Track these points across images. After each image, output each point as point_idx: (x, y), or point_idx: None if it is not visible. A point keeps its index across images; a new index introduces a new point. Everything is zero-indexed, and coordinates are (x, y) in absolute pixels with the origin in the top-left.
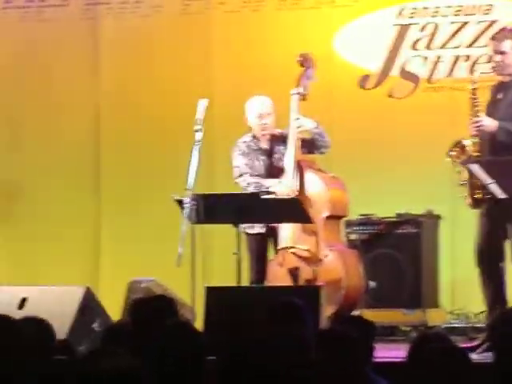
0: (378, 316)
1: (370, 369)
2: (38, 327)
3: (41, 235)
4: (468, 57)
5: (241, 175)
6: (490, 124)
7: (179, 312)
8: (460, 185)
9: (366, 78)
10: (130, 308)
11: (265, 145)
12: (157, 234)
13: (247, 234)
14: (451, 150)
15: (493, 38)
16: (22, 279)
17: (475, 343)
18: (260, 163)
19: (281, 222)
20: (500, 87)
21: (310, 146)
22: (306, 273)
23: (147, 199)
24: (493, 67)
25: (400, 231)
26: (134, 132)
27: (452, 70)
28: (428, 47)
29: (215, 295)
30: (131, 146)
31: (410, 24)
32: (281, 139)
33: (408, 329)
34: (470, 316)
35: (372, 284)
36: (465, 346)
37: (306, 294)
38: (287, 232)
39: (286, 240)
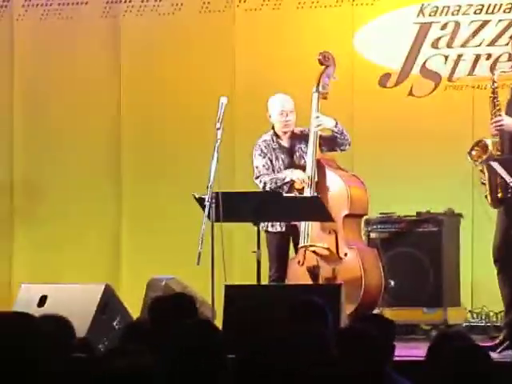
0: (398, 315)
1: (390, 367)
2: (57, 325)
3: (62, 235)
4: (489, 55)
5: (258, 177)
6: (511, 123)
7: (199, 310)
8: (481, 184)
9: (386, 76)
10: (150, 306)
11: (285, 143)
12: (177, 233)
13: (268, 232)
14: (472, 149)
15: None
16: (44, 279)
17: (495, 342)
18: (280, 162)
19: (301, 220)
20: None
21: (330, 144)
22: (326, 271)
23: (168, 197)
24: None
25: (420, 230)
26: (155, 131)
27: (473, 68)
28: (449, 46)
29: (235, 293)
30: (152, 145)
31: (431, 22)
32: (301, 137)
33: (428, 327)
34: (491, 315)
35: (392, 283)
36: (485, 344)
37: (325, 293)
38: (307, 230)
39: (307, 238)
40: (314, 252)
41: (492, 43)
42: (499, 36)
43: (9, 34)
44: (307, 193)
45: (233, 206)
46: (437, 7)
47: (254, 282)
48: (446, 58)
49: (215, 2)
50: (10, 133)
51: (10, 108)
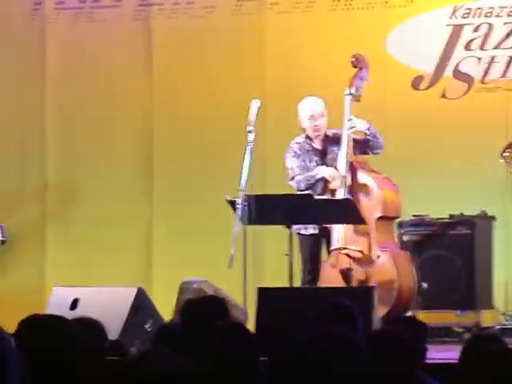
0: (430, 317)
1: (422, 370)
2: (90, 328)
3: (94, 236)
4: None
5: (293, 178)
6: None
7: (231, 313)
8: None
9: (419, 78)
10: (182, 309)
11: (318, 145)
12: (209, 235)
13: (300, 234)
14: (505, 151)
15: None
16: (76, 280)
17: None
18: (313, 164)
19: (333, 223)
20: None
21: (363, 146)
22: (358, 274)
23: (200, 200)
24: None
25: (453, 232)
26: (187, 133)
27: (506, 70)
28: (482, 48)
29: (267, 296)
30: (184, 146)
31: (464, 24)
32: (334, 140)
33: (461, 330)
34: None
35: (424, 285)
36: None
37: (358, 295)
38: (340, 233)
39: (339, 241)
40: (346, 254)
41: None
42: None
43: (41, 37)
44: (340, 193)
45: (265, 209)
46: (470, 9)
47: (287, 285)
48: (479, 59)
49: (247, 4)
50: (43, 135)
51: (42, 111)
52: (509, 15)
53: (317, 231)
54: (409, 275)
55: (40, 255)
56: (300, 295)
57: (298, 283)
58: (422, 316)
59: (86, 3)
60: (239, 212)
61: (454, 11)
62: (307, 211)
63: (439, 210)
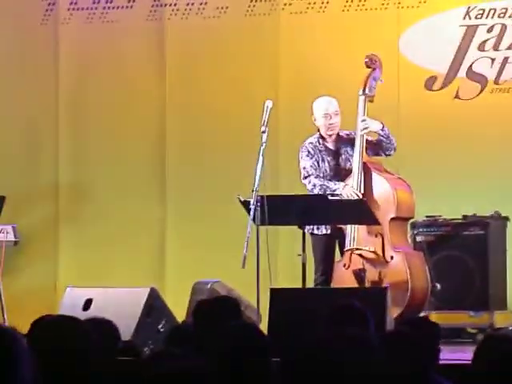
0: (444, 318)
1: (435, 371)
2: (103, 328)
3: (107, 237)
4: None
5: (306, 177)
6: None
7: (244, 313)
8: None
9: (432, 79)
10: (194, 309)
11: (331, 146)
12: (222, 235)
13: (313, 235)
14: None
15: None
16: (89, 281)
17: None
18: (326, 164)
19: (347, 223)
20: None
21: (375, 147)
22: (371, 274)
23: (213, 200)
24: None
25: (467, 233)
26: (200, 133)
27: None
28: (495, 48)
29: (280, 297)
30: (197, 147)
31: (478, 25)
32: (347, 140)
33: (474, 331)
34: None
35: (438, 286)
36: None
37: (371, 296)
38: (353, 233)
39: (352, 241)
40: (359, 255)
41: None
42: None
43: (54, 37)
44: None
45: (278, 209)
46: (483, 10)
47: (300, 286)
48: (493, 60)
49: (260, 5)
50: (56, 136)
51: (55, 111)
52: None
53: (330, 231)
54: (422, 276)
55: (53, 256)
56: (313, 296)
57: (311, 284)
58: (435, 317)
59: (99, 4)
60: (252, 212)
61: (468, 12)
62: (320, 212)
63: (452, 211)
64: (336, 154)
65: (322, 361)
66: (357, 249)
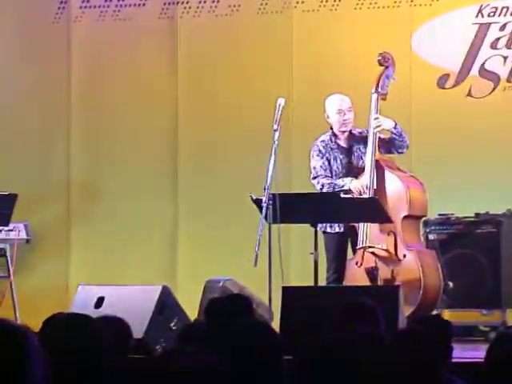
0: (456, 316)
1: (447, 369)
2: (114, 326)
3: (119, 235)
4: None
5: (315, 177)
6: None
7: (256, 311)
8: None
9: (444, 77)
10: (206, 307)
11: (344, 143)
12: (234, 234)
13: (326, 233)
14: None
15: None
16: (100, 279)
17: None
18: (338, 162)
19: (359, 221)
20: None
21: (388, 145)
22: (384, 272)
23: (224, 198)
24: None
25: (479, 231)
26: (212, 131)
27: None
28: (508, 46)
29: (292, 295)
30: (209, 145)
31: (490, 23)
32: (360, 138)
33: (487, 329)
34: None
35: (450, 284)
36: None
37: (384, 294)
38: (366, 231)
39: (365, 240)
40: (372, 253)
41: None
42: None
43: (66, 35)
44: (366, 194)
45: (290, 208)
46: (495, 8)
47: (311, 284)
48: (505, 58)
49: (273, 3)
50: (68, 134)
51: (67, 109)
52: None
53: (342, 230)
54: (435, 274)
55: (64, 254)
56: (325, 294)
57: (323, 282)
58: (448, 315)
59: (111, 2)
60: (264, 211)
61: (480, 10)
62: (332, 210)
63: (465, 209)
64: (348, 152)
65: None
66: (369, 247)
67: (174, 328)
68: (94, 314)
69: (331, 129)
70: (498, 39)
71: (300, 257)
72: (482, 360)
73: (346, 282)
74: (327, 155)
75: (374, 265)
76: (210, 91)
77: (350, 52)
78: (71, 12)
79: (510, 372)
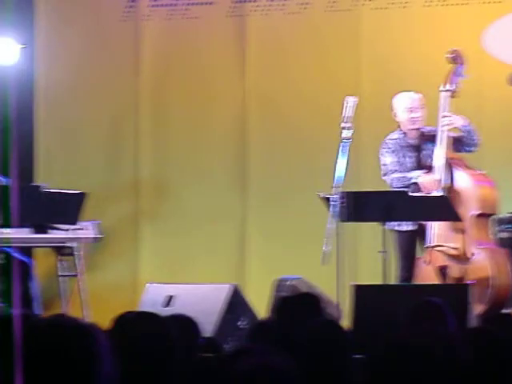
0: None
1: None
2: (183, 325)
3: (188, 232)
4: None
5: (388, 173)
6: None
7: (325, 310)
8: None
9: None
10: (276, 306)
11: (413, 141)
12: (303, 232)
13: (396, 231)
14: None
15: None
16: (169, 276)
17: None
18: (408, 160)
19: (428, 220)
20: None
21: (457, 143)
22: (454, 271)
23: (293, 197)
24: None
25: None
26: (281, 129)
27: None
28: None
29: (362, 293)
30: (278, 143)
31: None
32: (429, 137)
33: None
34: None
35: None
36: None
37: (454, 293)
38: (435, 230)
39: (435, 238)
40: (441, 252)
41: None
42: None
43: (135, 34)
44: (435, 193)
45: (359, 206)
46: None
47: (380, 282)
48: None
49: (342, 1)
50: (136, 133)
51: (136, 108)
52: None
53: (411, 228)
54: (505, 272)
55: (134, 252)
56: (395, 292)
57: (391, 280)
58: None
59: (179, 0)
60: (334, 209)
61: None
62: (402, 208)
63: None
64: (418, 150)
65: (405, 358)
66: (439, 245)
67: (242, 327)
68: (163, 312)
69: (399, 127)
70: None
71: (369, 255)
72: None
73: (416, 281)
74: (397, 153)
75: (443, 263)
76: (278, 89)
77: (420, 50)
78: (140, 10)
79: None
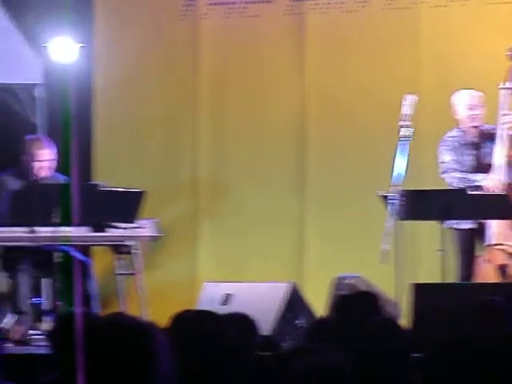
0: None
1: None
2: (241, 324)
3: (245, 231)
4: None
5: (447, 171)
6: None
7: (384, 308)
8: None
9: None
10: (334, 304)
11: (472, 139)
12: (361, 231)
13: (455, 229)
14: None
15: None
16: (227, 275)
17: None
18: (467, 158)
19: (488, 218)
20: None
21: None
22: None
23: (351, 196)
24: None
25: None
26: (340, 128)
27: None
28: None
29: (421, 292)
30: (336, 143)
31: None
32: (489, 135)
33: None
34: None
35: None
36: None
37: None
38: (495, 228)
39: (494, 237)
40: (501, 250)
41: None
42: None
43: (193, 32)
44: None
45: (418, 204)
46: None
47: (439, 281)
48: None
49: None
50: (195, 132)
51: (194, 108)
52: None
53: (470, 226)
54: None
55: (192, 251)
56: (455, 291)
57: (450, 279)
58: None
59: None
60: (393, 207)
61: None
62: (461, 207)
63: None
64: (477, 148)
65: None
66: (499, 244)
67: (299, 325)
68: (221, 311)
69: (457, 125)
70: None
71: (428, 253)
72: None
73: (476, 279)
74: (456, 150)
75: (503, 262)
76: (338, 87)
77: (480, 47)
78: (198, 9)
79: None
